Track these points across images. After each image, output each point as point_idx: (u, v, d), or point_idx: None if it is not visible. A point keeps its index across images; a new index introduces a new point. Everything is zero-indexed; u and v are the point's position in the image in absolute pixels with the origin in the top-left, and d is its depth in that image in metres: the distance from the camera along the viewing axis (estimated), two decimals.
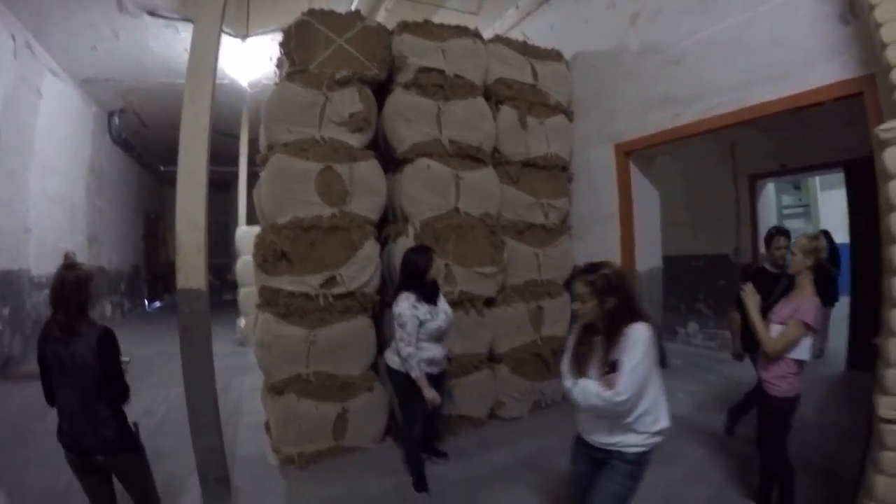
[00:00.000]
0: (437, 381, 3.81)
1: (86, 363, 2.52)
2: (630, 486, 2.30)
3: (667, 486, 3.68)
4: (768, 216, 8.68)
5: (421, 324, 3.61)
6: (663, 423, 2.23)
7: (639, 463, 2.27)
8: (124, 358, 2.75)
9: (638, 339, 2.13)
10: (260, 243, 4.25)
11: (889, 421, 2.35)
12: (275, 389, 4.27)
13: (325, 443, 4.30)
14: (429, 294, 3.72)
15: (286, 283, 4.23)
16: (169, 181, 17.94)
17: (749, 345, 4.36)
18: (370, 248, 4.46)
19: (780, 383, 2.95)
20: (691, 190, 8.74)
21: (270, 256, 4.18)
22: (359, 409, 4.40)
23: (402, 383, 3.73)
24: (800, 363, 2.92)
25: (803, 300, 2.89)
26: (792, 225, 12.92)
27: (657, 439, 2.25)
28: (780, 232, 4.22)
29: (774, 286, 3.88)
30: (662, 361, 2.88)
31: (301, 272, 4.25)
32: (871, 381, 2.59)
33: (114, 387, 2.66)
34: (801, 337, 2.85)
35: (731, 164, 8.36)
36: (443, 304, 3.86)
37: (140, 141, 13.50)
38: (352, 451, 4.38)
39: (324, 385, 4.30)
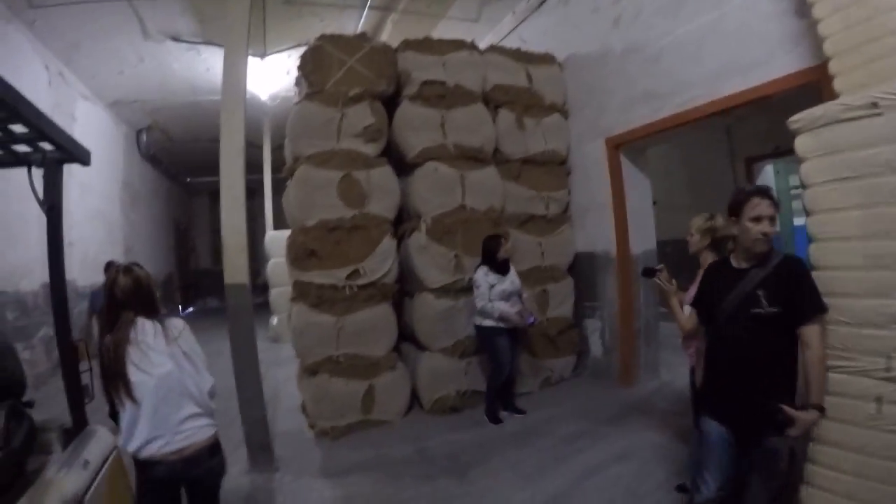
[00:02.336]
0: (510, 336, 4.82)
1: None
2: None
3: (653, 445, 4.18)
4: None
5: (491, 287, 4.65)
6: None
7: None
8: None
9: None
10: (292, 244, 4.85)
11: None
12: (309, 371, 4.84)
13: (354, 416, 4.85)
14: (499, 267, 4.76)
15: (316, 276, 4.81)
16: (196, 192, 18.64)
17: None
18: (388, 243, 5.03)
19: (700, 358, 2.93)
20: (692, 175, 9.03)
21: (301, 254, 4.78)
22: (384, 386, 4.95)
23: (484, 335, 4.83)
24: None
25: None
26: (800, 206, 12.89)
27: None
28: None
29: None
30: None
31: (329, 266, 4.82)
32: None
33: None
34: None
35: (729, 147, 8.65)
36: (511, 275, 4.86)
37: (167, 155, 14.19)
38: (379, 424, 4.93)
39: (352, 365, 4.86)
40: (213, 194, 17.20)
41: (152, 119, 11.75)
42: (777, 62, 3.89)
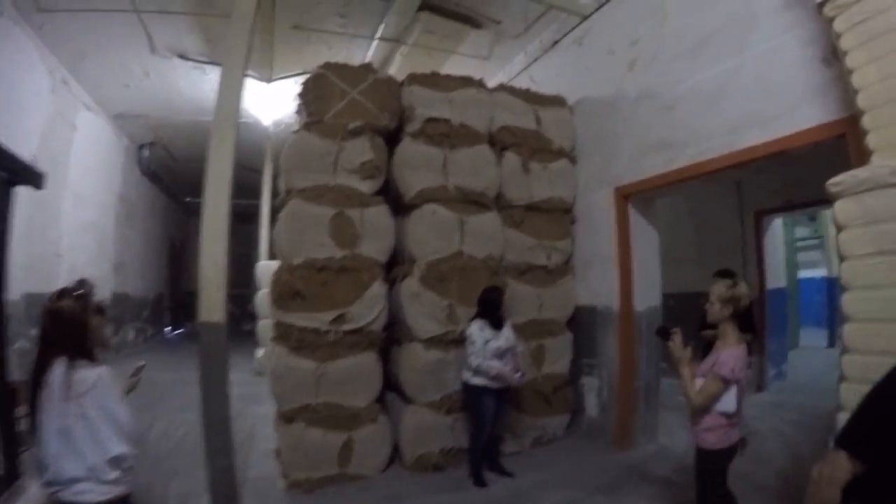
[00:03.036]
0: (497, 396, 4.55)
1: None
2: None
3: None
4: (776, 251, 8.77)
5: (486, 342, 4.40)
6: None
7: None
8: (140, 362, 2.79)
9: None
10: (276, 281, 4.57)
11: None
12: (285, 417, 4.53)
13: (330, 469, 4.53)
14: (496, 322, 4.53)
15: (299, 318, 4.53)
16: (194, 212, 18.46)
17: None
18: (378, 288, 4.75)
19: (709, 436, 2.84)
20: (699, 228, 8.84)
21: (285, 294, 4.51)
22: (363, 439, 4.63)
23: (471, 394, 4.55)
24: (727, 415, 2.79)
25: (723, 351, 2.79)
26: (807, 258, 12.77)
27: None
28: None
29: None
30: None
31: (313, 309, 4.55)
32: None
33: None
34: (721, 390, 2.74)
35: (738, 201, 8.47)
36: (506, 330, 4.63)
37: (167, 173, 14.06)
38: (356, 478, 4.61)
39: (331, 415, 4.55)
40: None
41: (155, 135, 11.66)
42: (800, 114, 3.70)
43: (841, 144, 3.44)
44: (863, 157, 3.03)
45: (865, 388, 2.25)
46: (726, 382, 2.74)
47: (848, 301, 2.46)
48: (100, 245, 10.22)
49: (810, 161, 6.49)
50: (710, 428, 2.84)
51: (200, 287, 3.93)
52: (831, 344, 10.56)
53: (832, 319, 10.77)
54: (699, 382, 2.84)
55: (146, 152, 12.30)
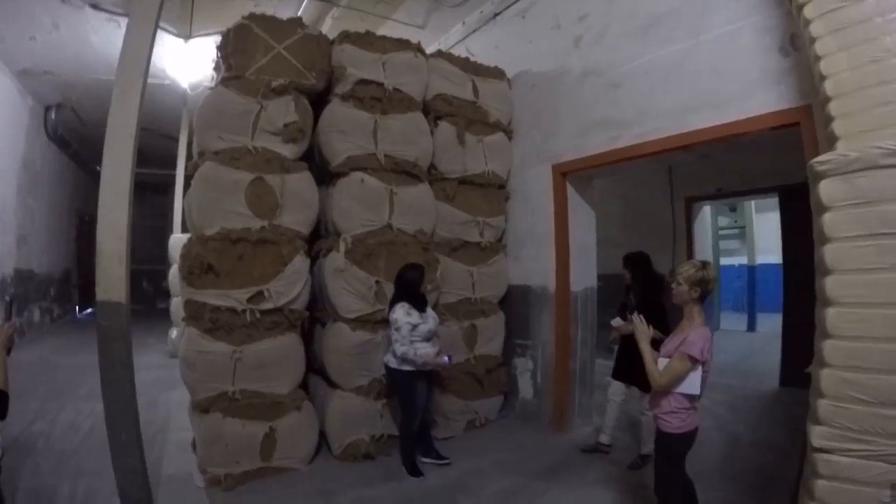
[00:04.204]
0: (428, 377, 4.36)
1: None
2: None
3: None
4: (704, 237, 8.94)
5: (414, 327, 4.14)
6: None
7: None
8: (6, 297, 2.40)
9: None
10: (186, 254, 4.11)
11: (822, 450, 2.35)
12: (200, 407, 4.11)
13: (252, 463, 4.17)
14: (419, 303, 4.29)
15: (212, 296, 4.10)
16: None
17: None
18: (300, 262, 4.37)
19: (671, 419, 2.78)
20: (629, 210, 8.90)
21: (196, 269, 4.05)
22: (287, 429, 4.28)
23: (400, 380, 4.26)
24: (691, 398, 2.74)
25: (690, 331, 2.73)
26: (728, 246, 13.37)
27: None
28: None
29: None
30: None
31: (228, 286, 4.13)
32: (803, 397, 2.60)
33: None
34: (687, 370, 2.69)
35: (669, 186, 8.56)
36: (430, 311, 4.41)
37: (77, 139, 12.97)
38: (281, 471, 4.26)
39: (251, 404, 4.17)
40: None
41: (63, 96, 10.71)
42: (754, 100, 3.70)
43: (784, 134, 3.57)
44: (816, 145, 3.09)
45: (849, 375, 2.26)
46: (694, 363, 2.68)
47: (831, 284, 2.37)
48: (0, 217, 9.33)
49: (742, 152, 6.73)
50: (673, 410, 2.77)
51: (98, 261, 3.39)
52: (751, 328, 11.04)
53: (752, 305, 11.38)
54: (663, 363, 2.78)
55: (53, 115, 11.30)
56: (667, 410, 2.79)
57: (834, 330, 2.34)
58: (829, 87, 2.60)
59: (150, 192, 15.98)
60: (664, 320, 4.17)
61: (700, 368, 2.69)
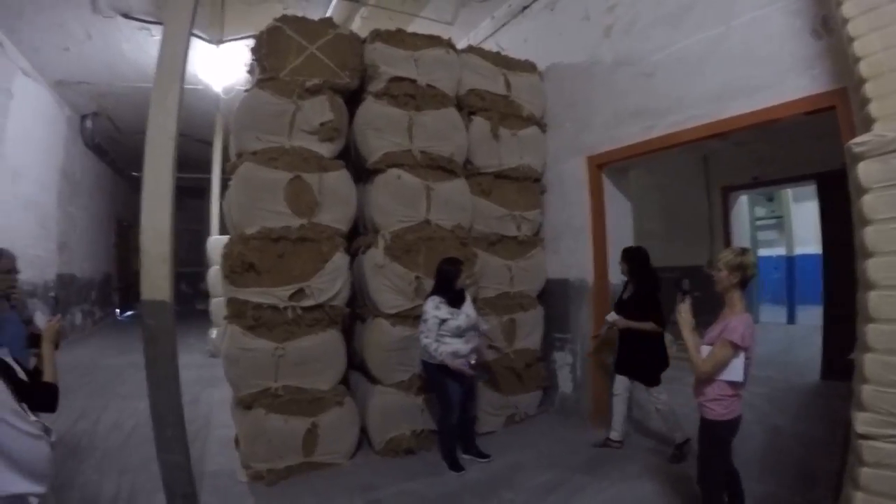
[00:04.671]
0: (462, 376, 4.18)
1: None
2: None
3: (640, 500, 3.70)
4: (742, 228, 8.77)
5: (442, 322, 4.08)
6: None
7: None
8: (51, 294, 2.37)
9: None
10: (228, 254, 4.17)
11: (866, 437, 2.29)
12: (243, 403, 4.16)
13: (294, 458, 4.20)
14: (454, 298, 4.20)
15: (254, 294, 4.15)
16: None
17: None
18: (340, 259, 4.40)
19: (714, 406, 2.76)
20: (665, 201, 8.76)
21: (238, 267, 4.11)
22: (329, 425, 4.31)
23: (431, 374, 4.23)
24: (734, 384, 2.72)
25: (732, 318, 2.71)
26: (766, 236, 13.06)
27: None
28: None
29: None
30: None
31: (269, 284, 4.18)
32: (845, 390, 2.57)
33: None
34: (730, 357, 2.67)
35: (705, 176, 8.42)
36: (467, 307, 4.29)
37: (114, 146, 13.25)
38: (322, 466, 4.29)
39: (293, 399, 4.21)
40: None
41: (98, 104, 10.92)
42: (788, 84, 3.62)
43: (820, 119, 3.50)
44: (853, 128, 2.96)
45: (893, 359, 2.20)
46: (736, 349, 2.65)
47: (872, 267, 2.31)
48: (42, 224, 9.57)
49: (778, 139, 6.60)
50: (717, 398, 2.75)
51: (142, 261, 3.49)
52: (790, 321, 10.74)
53: (791, 297, 11.04)
54: (706, 350, 2.76)
55: (89, 123, 11.51)
56: (711, 398, 2.78)
57: (876, 313, 2.29)
58: (863, 68, 2.54)
59: (186, 196, 16.23)
60: (659, 313, 4.39)
61: (742, 355, 2.67)
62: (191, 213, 16.43)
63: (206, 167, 10.41)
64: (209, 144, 10.22)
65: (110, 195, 14.29)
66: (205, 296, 10.28)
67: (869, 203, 2.33)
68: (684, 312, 2.87)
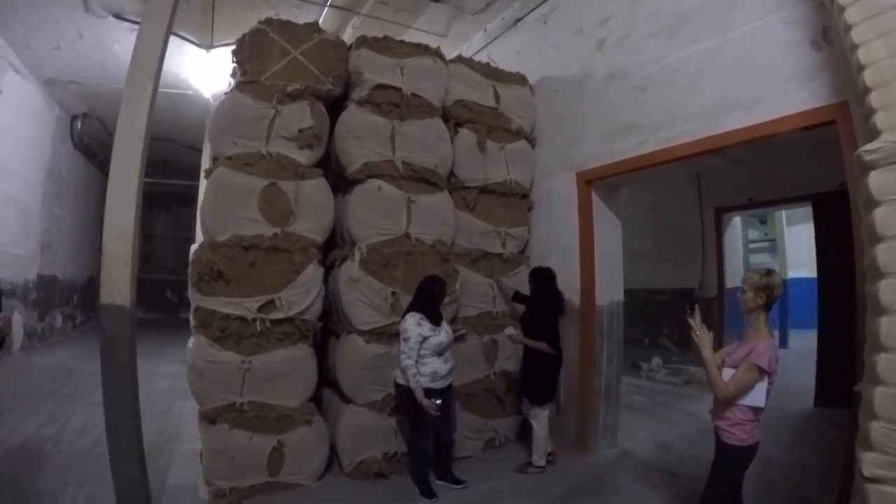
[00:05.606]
0: (442, 395, 4.03)
1: None
2: None
3: None
4: (735, 250, 8.61)
5: (424, 339, 3.96)
6: None
7: None
8: None
9: None
10: (196, 261, 4.01)
11: (873, 480, 2.13)
12: (207, 418, 4.00)
13: (259, 477, 4.04)
14: (435, 316, 4.08)
15: (221, 304, 4.00)
16: None
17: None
18: (313, 271, 4.24)
19: (735, 431, 2.67)
20: (657, 222, 8.62)
21: (206, 275, 3.96)
22: (296, 444, 4.14)
23: (408, 397, 3.99)
24: (756, 410, 2.65)
25: (757, 342, 2.63)
26: (758, 260, 12.93)
27: None
28: None
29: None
30: None
31: (238, 294, 4.03)
32: (839, 418, 2.43)
33: None
34: (755, 382, 2.58)
35: (698, 196, 8.27)
36: (444, 324, 4.20)
37: (103, 148, 12.92)
38: (288, 487, 4.13)
39: (258, 416, 4.04)
40: (149, 197, 15.95)
41: (89, 105, 10.80)
42: (786, 98, 3.49)
43: (818, 136, 3.38)
44: (854, 143, 2.82)
45: None
46: (762, 374, 2.59)
47: (885, 289, 2.15)
48: (24, 222, 9.39)
49: (773, 159, 6.48)
50: (739, 422, 2.67)
51: (102, 262, 3.36)
52: (783, 345, 10.59)
53: (784, 321, 10.97)
54: (728, 373, 2.69)
55: (79, 124, 11.37)
56: (732, 422, 2.69)
57: (889, 341, 2.12)
58: (868, 77, 2.42)
59: (175, 203, 16.15)
60: (554, 335, 4.60)
61: (766, 380, 2.60)
62: (179, 220, 16.32)
63: (196, 174, 10.26)
64: (199, 151, 10.05)
65: (97, 198, 13.98)
66: (188, 304, 10.08)
67: (881, 217, 2.18)
68: (699, 330, 2.76)
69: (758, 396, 2.60)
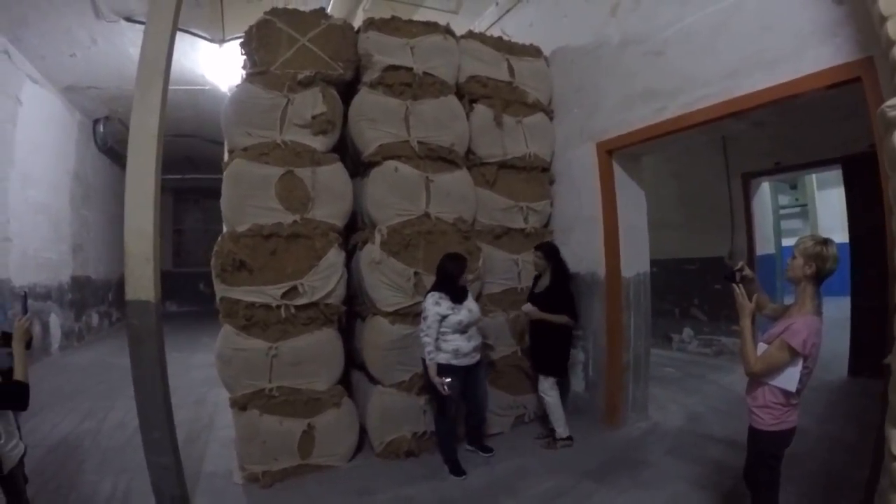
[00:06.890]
0: (468, 372, 4.13)
1: None
2: None
3: None
4: (764, 217, 8.40)
5: (444, 318, 3.95)
6: None
7: None
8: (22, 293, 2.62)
9: None
10: (219, 252, 4.05)
11: None
12: (237, 405, 4.06)
13: (290, 461, 4.10)
14: (456, 295, 4.06)
15: (246, 293, 4.04)
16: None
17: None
18: (334, 256, 4.24)
19: (763, 414, 2.47)
20: (683, 190, 8.44)
21: (229, 266, 4.00)
22: (326, 426, 4.18)
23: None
24: (787, 394, 2.41)
25: (798, 318, 2.37)
26: (789, 225, 12.62)
27: None
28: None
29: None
30: None
31: (261, 282, 4.06)
32: (874, 388, 2.30)
33: None
34: (786, 362, 2.36)
35: (724, 162, 8.06)
36: (469, 302, 4.16)
37: (126, 149, 13.22)
38: (319, 469, 4.18)
39: (288, 400, 4.09)
40: (177, 192, 16.37)
41: (109, 108, 10.95)
42: (808, 55, 3.32)
43: (844, 94, 3.20)
44: (881, 100, 2.66)
45: None
46: (794, 355, 2.34)
47: None
48: (54, 227, 9.63)
49: (799, 121, 6.26)
50: (766, 405, 2.47)
51: (126, 262, 3.49)
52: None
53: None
54: (762, 347, 2.47)
55: (102, 127, 11.54)
56: (760, 404, 2.50)
57: None
58: (891, 28, 2.29)
59: (203, 196, 16.35)
60: (572, 306, 4.55)
61: (800, 363, 2.35)
62: (208, 213, 16.51)
63: (220, 168, 10.38)
64: (221, 145, 10.14)
65: (124, 197, 14.30)
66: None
67: None
68: (741, 298, 2.56)
69: (789, 379, 2.38)
